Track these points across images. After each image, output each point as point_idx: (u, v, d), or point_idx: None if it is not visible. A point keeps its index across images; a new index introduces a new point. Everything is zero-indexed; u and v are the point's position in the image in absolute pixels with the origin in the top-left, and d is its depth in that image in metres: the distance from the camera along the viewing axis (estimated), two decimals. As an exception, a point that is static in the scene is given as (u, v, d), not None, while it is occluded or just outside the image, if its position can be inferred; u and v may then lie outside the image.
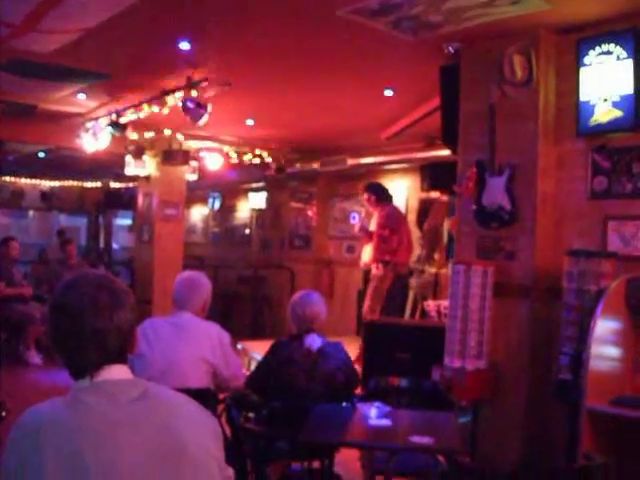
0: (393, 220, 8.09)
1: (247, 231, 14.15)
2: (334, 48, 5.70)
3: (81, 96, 7.80)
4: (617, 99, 4.49)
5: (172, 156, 9.51)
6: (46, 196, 15.67)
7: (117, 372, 1.83)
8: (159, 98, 7.23)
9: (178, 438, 1.75)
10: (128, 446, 1.68)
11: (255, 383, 4.30)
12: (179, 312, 4.32)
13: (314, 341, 4.22)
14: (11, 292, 8.90)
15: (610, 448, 3.67)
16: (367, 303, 7.88)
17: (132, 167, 9.78)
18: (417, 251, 9.16)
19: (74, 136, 9.02)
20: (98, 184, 15.63)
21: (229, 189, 14.35)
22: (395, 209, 8.42)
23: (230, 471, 1.97)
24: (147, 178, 9.98)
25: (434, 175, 9.33)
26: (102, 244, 17.03)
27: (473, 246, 5.06)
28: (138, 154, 9.70)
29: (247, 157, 10.96)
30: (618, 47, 4.48)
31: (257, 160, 11.07)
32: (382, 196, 8.25)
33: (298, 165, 11.22)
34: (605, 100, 4.55)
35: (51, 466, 1.60)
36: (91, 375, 1.78)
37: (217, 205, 15.11)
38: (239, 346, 7.87)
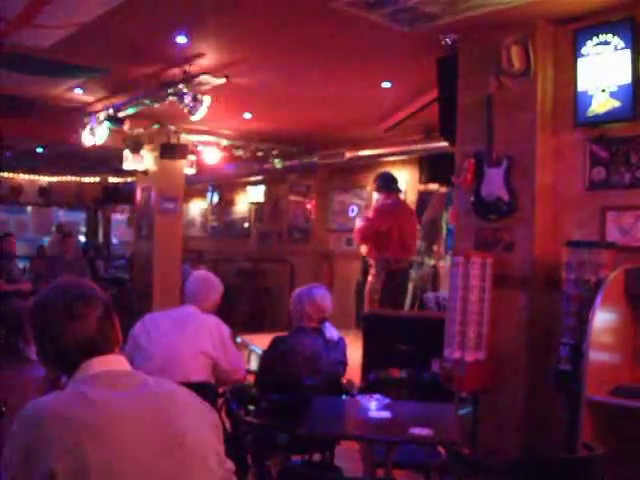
0: (381, 213, 7.81)
1: (246, 225, 14.15)
2: (331, 41, 5.69)
3: (78, 91, 7.79)
4: (615, 89, 4.49)
5: (170, 150, 9.48)
6: (44, 191, 15.64)
7: (114, 363, 1.84)
8: (156, 92, 7.22)
9: (177, 431, 1.76)
10: (128, 439, 1.68)
11: (265, 379, 4.35)
12: (182, 306, 4.36)
13: (332, 331, 4.42)
14: (10, 288, 8.90)
15: (610, 438, 3.68)
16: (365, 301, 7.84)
17: (130, 162, 9.76)
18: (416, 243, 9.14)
19: (72, 131, 9.00)
20: (96, 179, 15.61)
21: (227, 183, 14.34)
22: (392, 203, 8.00)
23: (230, 464, 1.97)
24: (145, 172, 9.96)
25: (433, 167, 9.33)
26: (101, 239, 17.03)
27: (472, 238, 5.06)
28: (136, 148, 9.68)
29: (245, 151, 10.95)
30: (615, 37, 4.47)
31: (255, 153, 11.07)
32: (383, 185, 7.99)
33: (296, 158, 11.22)
34: (603, 90, 4.54)
35: (54, 459, 1.60)
36: (85, 367, 1.80)
37: (216, 199, 15.10)
38: (239, 339, 7.87)
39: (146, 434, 1.71)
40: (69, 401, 1.72)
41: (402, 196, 9.99)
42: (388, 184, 8.02)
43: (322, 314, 4.48)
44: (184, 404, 1.85)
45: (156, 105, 7.44)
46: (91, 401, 1.71)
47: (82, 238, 16.62)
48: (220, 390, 4.18)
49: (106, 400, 1.72)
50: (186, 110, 6.76)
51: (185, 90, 6.69)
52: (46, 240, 14.40)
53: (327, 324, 4.50)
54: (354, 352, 5.76)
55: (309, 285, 4.68)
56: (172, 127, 9.47)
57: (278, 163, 11.15)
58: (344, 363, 4.49)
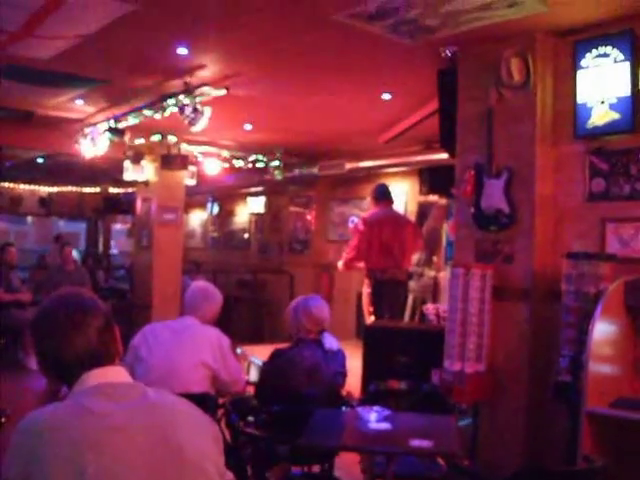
0: (362, 223, 7.89)
1: (246, 236, 14.16)
2: (332, 52, 5.70)
3: (79, 102, 7.81)
4: (614, 101, 4.50)
5: (171, 161, 9.51)
6: (45, 202, 15.67)
7: (114, 375, 1.84)
8: (157, 103, 7.24)
9: (177, 442, 1.75)
10: (127, 450, 1.68)
11: (264, 392, 4.33)
12: (182, 317, 4.36)
13: (331, 341, 4.41)
14: (9, 298, 8.90)
15: (610, 450, 3.67)
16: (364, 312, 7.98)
17: (131, 172, 9.77)
18: (416, 254, 9.15)
19: (72, 142, 9.02)
20: (97, 189, 15.65)
21: (228, 194, 14.36)
22: (376, 213, 8.01)
23: (230, 476, 1.97)
24: (146, 183, 9.98)
25: (433, 178, 9.34)
26: (101, 249, 17.04)
27: (472, 249, 5.06)
28: (136, 159, 9.70)
29: (245, 161, 10.97)
30: (615, 49, 4.49)
31: (255, 164, 11.09)
32: (374, 196, 8.09)
33: (297, 169, 11.23)
34: (602, 102, 4.55)
35: (53, 470, 1.60)
36: (86, 378, 1.80)
37: (216, 210, 15.11)
38: (238, 350, 7.86)
39: (146, 446, 1.71)
40: (69, 412, 1.72)
41: (401, 207, 10.06)
42: (376, 195, 8.05)
43: (320, 325, 4.44)
44: (184, 416, 1.85)
45: (157, 116, 7.46)
46: (91, 413, 1.71)
47: (76, 250, 16.61)
48: (220, 401, 4.18)
49: (106, 412, 1.72)
50: (187, 121, 6.78)
51: (186, 101, 6.71)
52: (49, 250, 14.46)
53: (326, 334, 4.48)
54: (354, 363, 5.76)
55: (304, 297, 4.62)
56: (173, 138, 9.49)
57: (278, 174, 11.16)
58: (343, 374, 4.49)
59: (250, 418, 4.15)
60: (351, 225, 8.65)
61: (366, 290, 7.80)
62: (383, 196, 8.02)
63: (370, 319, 7.57)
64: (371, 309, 7.68)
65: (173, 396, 1.92)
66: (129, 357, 4.02)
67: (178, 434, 1.77)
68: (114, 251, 17.72)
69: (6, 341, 8.92)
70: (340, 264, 8.10)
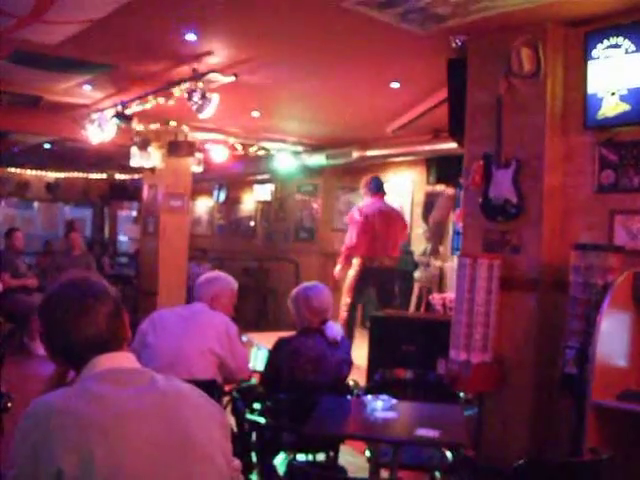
0: (356, 213, 8.23)
1: (252, 223, 14.16)
2: (340, 40, 5.68)
3: (87, 87, 7.80)
4: (625, 92, 4.47)
5: (178, 148, 9.50)
6: (51, 187, 15.69)
7: (123, 360, 1.84)
8: (165, 89, 7.23)
9: (185, 429, 1.76)
10: (135, 436, 1.68)
11: (269, 381, 4.32)
12: (191, 304, 4.37)
13: (334, 330, 4.35)
14: (16, 283, 8.92)
15: (616, 443, 3.67)
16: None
17: (137, 159, 9.75)
18: (422, 244, 9.16)
19: (79, 127, 9.03)
20: (103, 175, 15.65)
21: (234, 181, 14.36)
22: (371, 203, 8.34)
23: (237, 463, 1.97)
24: (152, 170, 9.96)
25: (440, 168, 9.33)
26: (107, 235, 17.07)
27: (479, 239, 5.05)
28: (143, 146, 9.68)
29: (252, 149, 10.96)
30: (626, 40, 4.45)
31: (262, 152, 11.09)
32: (370, 188, 8.41)
33: (304, 157, 11.21)
34: (613, 93, 4.52)
35: (62, 454, 1.60)
36: (94, 363, 1.79)
37: (222, 197, 15.11)
38: (244, 338, 7.87)
39: (154, 432, 1.71)
40: (77, 398, 1.72)
41: (408, 197, 10.07)
42: (372, 187, 8.39)
43: (322, 315, 4.37)
44: (192, 402, 1.85)
45: (164, 102, 7.45)
46: (99, 398, 1.71)
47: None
48: (226, 388, 4.18)
49: (114, 397, 1.72)
50: (194, 108, 6.77)
51: (194, 88, 6.69)
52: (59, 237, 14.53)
53: (329, 324, 4.41)
54: (360, 352, 5.76)
55: (304, 286, 4.55)
56: (180, 125, 9.47)
57: (285, 162, 11.15)
58: (349, 362, 4.44)
59: (256, 406, 4.15)
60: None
61: (351, 275, 8.00)
62: (378, 189, 8.35)
63: (346, 301, 7.98)
64: (350, 294, 7.87)
65: (182, 383, 1.92)
66: (135, 343, 4.02)
67: (186, 421, 1.77)
68: (120, 237, 17.74)
69: (12, 326, 8.94)
70: (338, 268, 8.30)
